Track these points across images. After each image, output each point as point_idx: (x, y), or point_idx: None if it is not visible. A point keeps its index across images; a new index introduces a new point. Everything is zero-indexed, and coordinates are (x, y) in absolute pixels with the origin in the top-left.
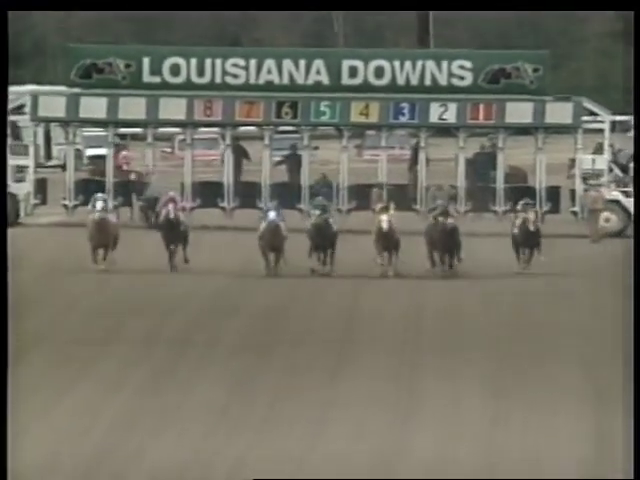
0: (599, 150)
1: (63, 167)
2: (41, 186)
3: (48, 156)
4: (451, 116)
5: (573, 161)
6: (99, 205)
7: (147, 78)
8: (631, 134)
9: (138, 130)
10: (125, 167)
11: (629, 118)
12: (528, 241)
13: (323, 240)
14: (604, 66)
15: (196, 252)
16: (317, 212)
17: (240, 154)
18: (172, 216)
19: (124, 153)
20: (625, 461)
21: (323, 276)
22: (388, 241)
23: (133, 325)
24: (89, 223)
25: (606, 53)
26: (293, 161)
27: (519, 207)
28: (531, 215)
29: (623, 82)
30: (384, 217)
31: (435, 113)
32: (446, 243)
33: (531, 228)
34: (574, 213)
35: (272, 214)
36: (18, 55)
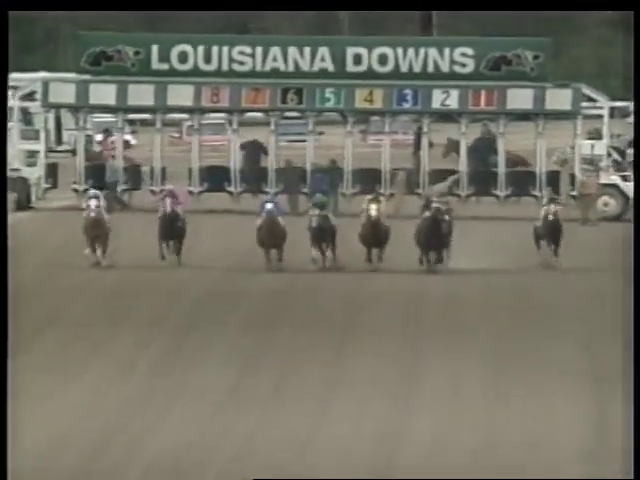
0: (597, 136)
1: (73, 152)
2: (52, 171)
3: (59, 141)
4: (453, 102)
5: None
6: (93, 203)
7: (155, 65)
8: (630, 120)
9: (147, 116)
10: (111, 152)
11: (628, 104)
12: (549, 234)
13: (324, 239)
14: (603, 54)
15: (203, 235)
16: (317, 211)
17: (259, 150)
18: (169, 210)
19: (111, 139)
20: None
21: (324, 270)
22: (377, 231)
23: (143, 306)
24: (84, 220)
25: (605, 41)
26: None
27: (543, 200)
28: (552, 207)
29: (622, 69)
30: (373, 206)
31: (437, 99)
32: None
33: (552, 220)
34: (573, 197)
35: (269, 206)
36: (30, 43)
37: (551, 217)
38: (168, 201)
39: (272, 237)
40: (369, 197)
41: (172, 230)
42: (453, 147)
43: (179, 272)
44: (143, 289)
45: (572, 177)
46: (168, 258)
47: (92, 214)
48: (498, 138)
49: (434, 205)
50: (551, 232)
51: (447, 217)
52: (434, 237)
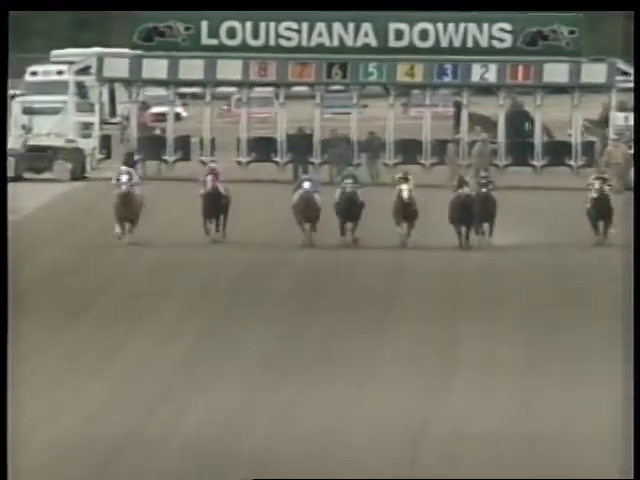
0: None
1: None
2: (106, 142)
3: (112, 114)
4: (491, 76)
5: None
6: (124, 178)
7: (205, 41)
8: None
9: (197, 89)
10: (150, 124)
11: None
12: (601, 214)
13: (350, 212)
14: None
15: (248, 206)
16: (349, 182)
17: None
18: (210, 188)
19: (150, 111)
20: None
21: (347, 246)
22: (408, 211)
23: (190, 275)
24: (114, 196)
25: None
26: None
27: (591, 180)
28: (601, 187)
29: None
30: (404, 187)
31: (476, 73)
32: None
33: (603, 200)
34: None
35: (307, 184)
36: (85, 20)
37: (601, 196)
38: (209, 178)
39: (308, 214)
40: (398, 175)
41: (215, 207)
42: (476, 121)
43: (224, 245)
44: (189, 261)
45: (602, 147)
46: (212, 235)
47: (123, 188)
48: (535, 110)
49: (465, 190)
50: (603, 212)
51: (491, 193)
52: (466, 216)
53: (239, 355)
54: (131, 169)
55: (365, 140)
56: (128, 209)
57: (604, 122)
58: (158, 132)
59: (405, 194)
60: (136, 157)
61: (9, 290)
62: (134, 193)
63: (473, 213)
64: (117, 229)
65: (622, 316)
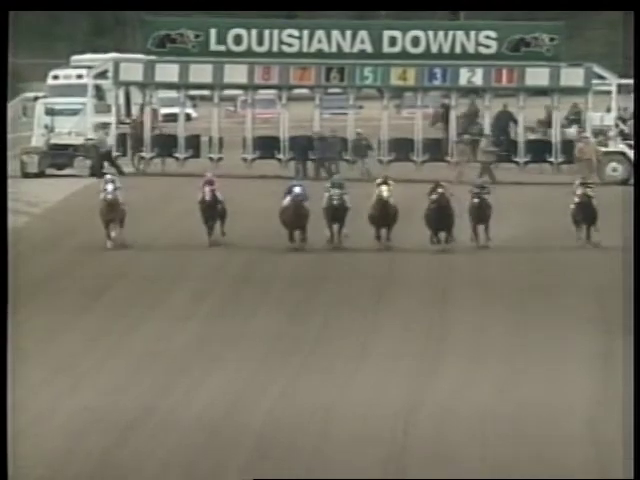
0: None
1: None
2: (122, 140)
3: (128, 114)
4: (478, 79)
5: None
6: (109, 187)
7: (213, 47)
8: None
9: (206, 92)
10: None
11: (633, 81)
12: (585, 217)
13: (338, 218)
14: (613, 35)
15: (252, 200)
16: (337, 191)
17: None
18: (208, 197)
19: (146, 112)
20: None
21: (335, 249)
22: (386, 213)
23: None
24: (100, 202)
25: (614, 23)
26: None
27: (576, 183)
28: (586, 191)
29: (628, 50)
30: (384, 187)
31: (464, 77)
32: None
33: (586, 204)
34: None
35: (297, 189)
36: (102, 27)
37: (585, 199)
38: (207, 188)
39: (297, 219)
40: (379, 180)
41: (213, 214)
42: (439, 118)
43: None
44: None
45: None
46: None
47: (109, 196)
48: (519, 111)
49: (439, 190)
50: (586, 215)
51: (486, 200)
52: (442, 219)
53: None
54: (115, 177)
55: (352, 140)
56: (113, 214)
57: (548, 122)
58: (157, 132)
59: (384, 194)
60: (114, 153)
61: (35, 275)
62: (118, 199)
63: (450, 217)
64: (105, 234)
65: (602, 302)
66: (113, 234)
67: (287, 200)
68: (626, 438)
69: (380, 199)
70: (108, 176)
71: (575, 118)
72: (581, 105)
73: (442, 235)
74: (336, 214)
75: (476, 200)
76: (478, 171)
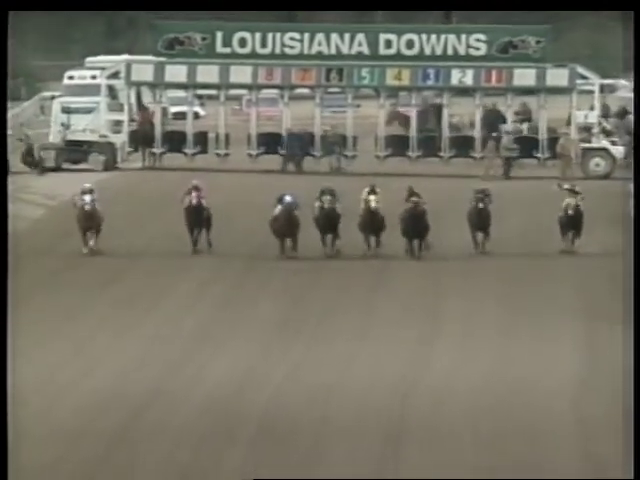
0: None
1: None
2: (134, 137)
3: (139, 112)
4: (468, 80)
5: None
6: (87, 198)
7: (220, 49)
8: (616, 94)
9: (213, 91)
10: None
11: (615, 81)
12: (570, 224)
13: (330, 225)
14: (595, 38)
15: (257, 193)
16: (328, 198)
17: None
18: (195, 203)
19: (149, 111)
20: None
21: (329, 258)
22: (374, 223)
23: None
24: (77, 212)
25: (597, 26)
26: None
27: (564, 189)
28: (572, 200)
29: (611, 51)
30: (372, 197)
31: (455, 77)
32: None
33: (572, 212)
34: (571, 158)
35: (288, 198)
36: (115, 30)
37: (571, 211)
38: (194, 194)
39: (288, 228)
40: (367, 189)
41: (199, 220)
42: (394, 116)
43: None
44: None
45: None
46: (199, 246)
47: (86, 207)
48: (507, 110)
49: (413, 199)
50: (573, 224)
51: (487, 207)
52: (416, 228)
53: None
54: (93, 188)
55: (323, 135)
56: (91, 223)
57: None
58: (167, 129)
59: (372, 204)
60: (127, 149)
61: (52, 262)
62: (96, 209)
63: (424, 224)
64: (82, 243)
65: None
66: (91, 242)
67: (278, 209)
68: (611, 415)
69: (368, 209)
70: (86, 185)
71: (525, 117)
72: (531, 105)
73: (416, 243)
74: (328, 223)
75: (479, 205)
76: (501, 167)
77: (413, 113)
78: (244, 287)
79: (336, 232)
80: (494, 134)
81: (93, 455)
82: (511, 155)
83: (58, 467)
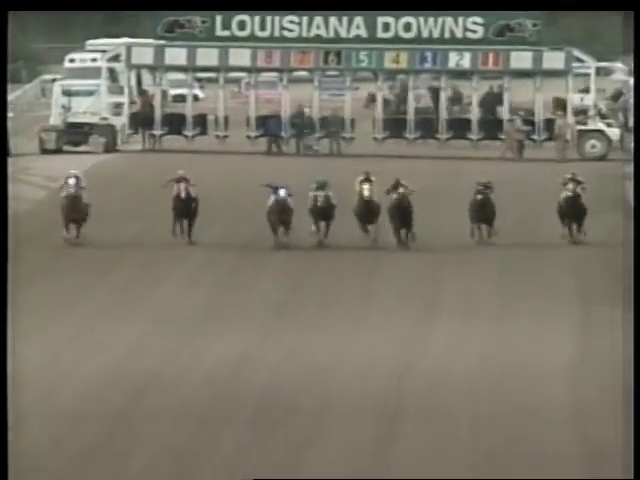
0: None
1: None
2: (134, 119)
3: (139, 95)
4: (466, 63)
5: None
6: (71, 182)
7: (219, 32)
8: (612, 77)
9: (212, 74)
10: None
11: (610, 64)
12: (572, 214)
13: (325, 217)
14: (590, 23)
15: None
16: (321, 193)
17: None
18: (183, 194)
19: (150, 95)
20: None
21: (322, 247)
22: (369, 211)
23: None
24: (62, 199)
25: (592, 12)
26: None
27: (565, 179)
28: (573, 188)
29: (606, 36)
30: (366, 186)
31: (453, 60)
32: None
33: (575, 202)
34: (566, 140)
35: (282, 191)
36: (116, 15)
37: (572, 195)
38: (182, 185)
39: (282, 218)
40: (360, 178)
41: (186, 211)
42: (371, 99)
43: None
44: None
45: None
46: (179, 236)
47: (71, 191)
48: (504, 92)
49: (400, 190)
50: (574, 211)
51: (490, 198)
52: (403, 218)
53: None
54: (79, 173)
55: (291, 116)
56: (76, 212)
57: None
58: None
59: (366, 193)
60: (127, 131)
61: (55, 241)
62: (81, 196)
63: (410, 215)
64: (64, 231)
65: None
66: (73, 232)
67: (272, 200)
68: (609, 398)
69: (361, 198)
70: (72, 171)
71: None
72: (502, 87)
73: (403, 233)
74: (322, 213)
75: (479, 197)
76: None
77: (380, 96)
78: (240, 273)
79: (330, 221)
80: (513, 117)
81: (94, 438)
82: (520, 138)
83: (58, 450)
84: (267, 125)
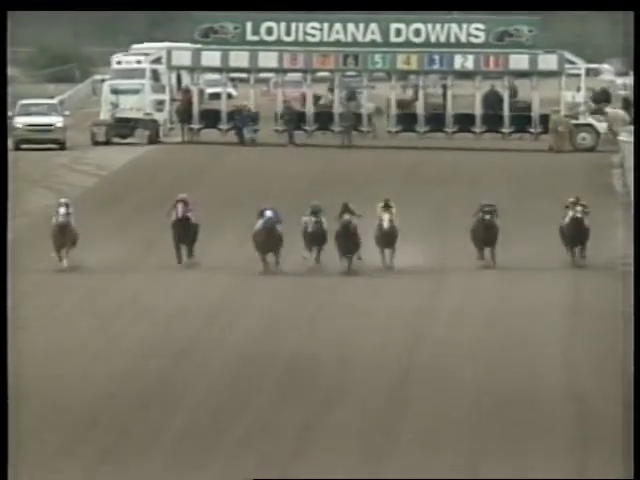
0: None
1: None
2: (178, 114)
3: (182, 92)
4: (469, 64)
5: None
6: (61, 210)
7: (249, 37)
8: (600, 77)
9: (244, 75)
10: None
11: (599, 66)
12: (575, 237)
13: (317, 242)
14: (581, 28)
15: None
16: (314, 219)
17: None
18: (181, 216)
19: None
20: None
21: (314, 272)
22: (388, 239)
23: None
24: (52, 226)
25: (583, 17)
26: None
27: (568, 203)
28: (578, 213)
29: (595, 39)
30: (386, 216)
31: (458, 62)
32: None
33: (577, 225)
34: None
35: (268, 213)
36: (157, 21)
37: (577, 218)
38: (180, 207)
39: (269, 243)
40: (381, 205)
41: (185, 234)
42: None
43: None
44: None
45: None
46: (184, 260)
47: (60, 219)
48: (504, 91)
49: (346, 217)
50: (577, 234)
51: (494, 221)
52: (348, 244)
53: None
54: (69, 201)
55: (232, 111)
56: (65, 238)
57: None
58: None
59: (385, 224)
60: (169, 125)
61: (106, 223)
62: (70, 224)
63: (356, 241)
64: (55, 256)
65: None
66: (64, 259)
67: (259, 224)
68: (610, 392)
69: (381, 227)
70: (62, 200)
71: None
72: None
73: (348, 260)
74: (315, 239)
75: (485, 218)
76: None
77: (478, 96)
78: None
79: (322, 247)
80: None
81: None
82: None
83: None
84: (291, 119)
